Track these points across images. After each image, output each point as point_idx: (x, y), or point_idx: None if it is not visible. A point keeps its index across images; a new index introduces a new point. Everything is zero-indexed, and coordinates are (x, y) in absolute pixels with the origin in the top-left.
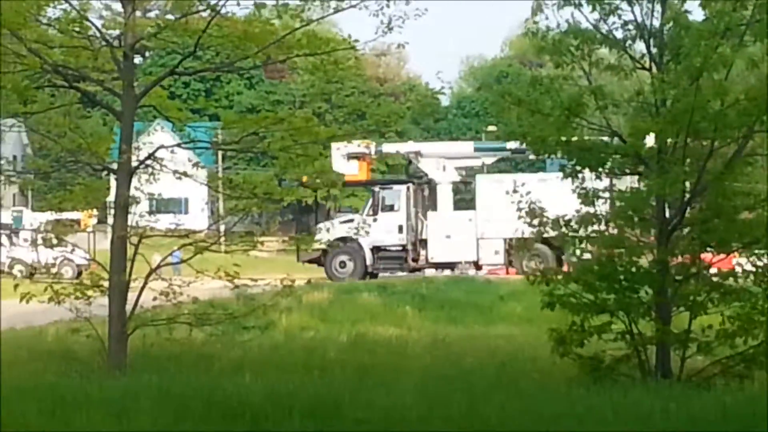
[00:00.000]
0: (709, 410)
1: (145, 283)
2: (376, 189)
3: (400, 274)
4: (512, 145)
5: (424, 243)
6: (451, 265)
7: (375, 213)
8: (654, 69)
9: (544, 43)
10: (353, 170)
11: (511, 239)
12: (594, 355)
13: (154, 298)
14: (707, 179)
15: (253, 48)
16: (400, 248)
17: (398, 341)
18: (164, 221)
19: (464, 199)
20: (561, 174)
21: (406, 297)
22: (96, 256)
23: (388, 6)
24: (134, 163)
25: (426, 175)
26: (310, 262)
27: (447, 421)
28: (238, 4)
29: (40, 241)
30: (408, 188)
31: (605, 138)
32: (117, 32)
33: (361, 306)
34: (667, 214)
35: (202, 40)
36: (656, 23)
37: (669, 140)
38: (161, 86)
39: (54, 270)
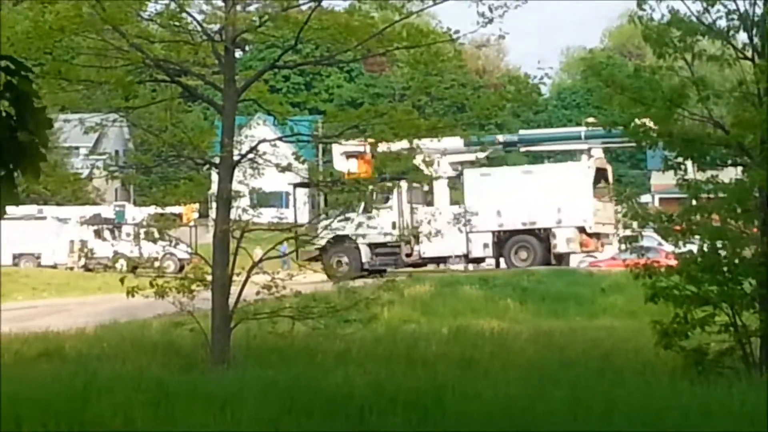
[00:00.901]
0: None
1: (248, 277)
2: (370, 186)
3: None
4: (502, 138)
5: (417, 238)
6: (443, 260)
7: (369, 210)
8: (757, 59)
9: (649, 31)
10: (353, 168)
11: (498, 232)
12: (698, 348)
13: (258, 292)
14: None
15: (353, 41)
16: (395, 244)
17: (500, 334)
18: (266, 215)
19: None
20: (541, 167)
21: (507, 289)
22: (197, 250)
23: None
24: (236, 157)
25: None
26: (309, 260)
27: (550, 412)
28: None
29: (142, 236)
30: (399, 185)
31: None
32: (218, 26)
33: (463, 299)
34: None
35: (302, 34)
36: (759, 12)
37: None
38: (262, 80)
39: (156, 264)
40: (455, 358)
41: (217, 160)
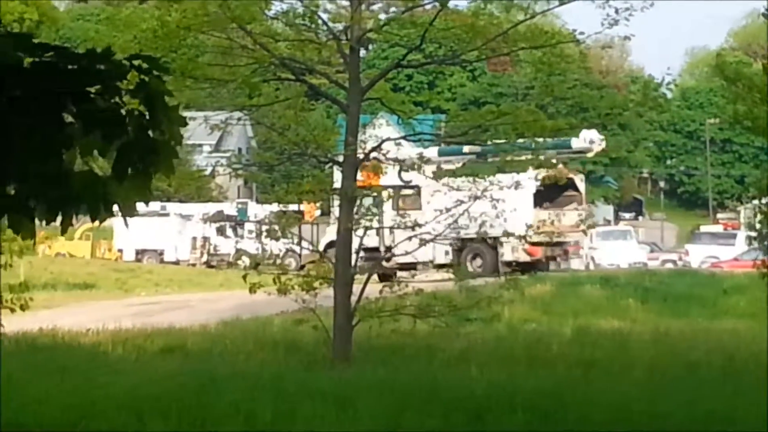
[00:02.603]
0: None
1: (371, 275)
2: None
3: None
4: (467, 149)
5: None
6: (413, 266)
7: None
8: None
9: None
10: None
11: (457, 240)
12: None
13: (380, 290)
14: None
15: (478, 41)
16: (375, 250)
17: (621, 334)
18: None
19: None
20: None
21: (628, 289)
22: (319, 247)
23: None
24: (360, 156)
25: (411, 180)
26: (312, 263)
27: (671, 415)
28: None
29: (265, 233)
30: (378, 193)
31: None
32: (342, 25)
33: (584, 298)
34: None
35: (426, 33)
36: None
37: None
38: (385, 78)
39: (279, 262)
40: (576, 359)
41: (340, 158)
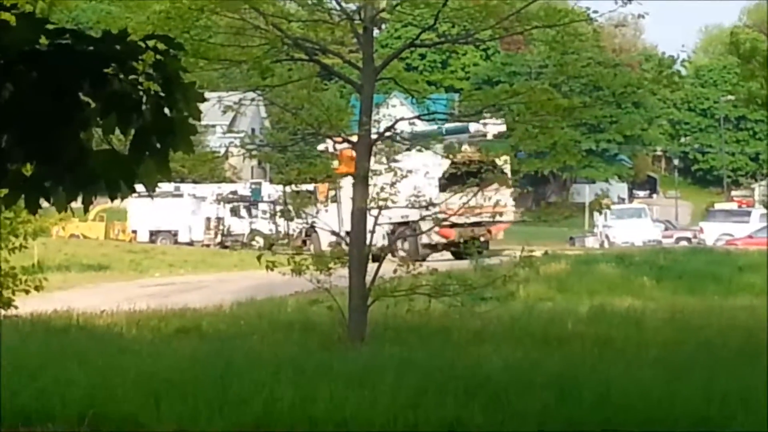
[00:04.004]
0: None
1: (386, 254)
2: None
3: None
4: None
5: None
6: None
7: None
8: None
9: None
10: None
11: (392, 224)
12: None
13: (395, 270)
14: None
15: (491, 20)
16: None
17: (636, 313)
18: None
19: None
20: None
21: (644, 268)
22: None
23: None
24: (373, 136)
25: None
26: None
27: (688, 395)
28: None
29: (278, 213)
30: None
31: None
32: (355, 5)
33: (599, 277)
34: None
35: (440, 12)
36: None
37: None
38: (398, 58)
39: (296, 244)
40: (591, 337)
41: (354, 138)
